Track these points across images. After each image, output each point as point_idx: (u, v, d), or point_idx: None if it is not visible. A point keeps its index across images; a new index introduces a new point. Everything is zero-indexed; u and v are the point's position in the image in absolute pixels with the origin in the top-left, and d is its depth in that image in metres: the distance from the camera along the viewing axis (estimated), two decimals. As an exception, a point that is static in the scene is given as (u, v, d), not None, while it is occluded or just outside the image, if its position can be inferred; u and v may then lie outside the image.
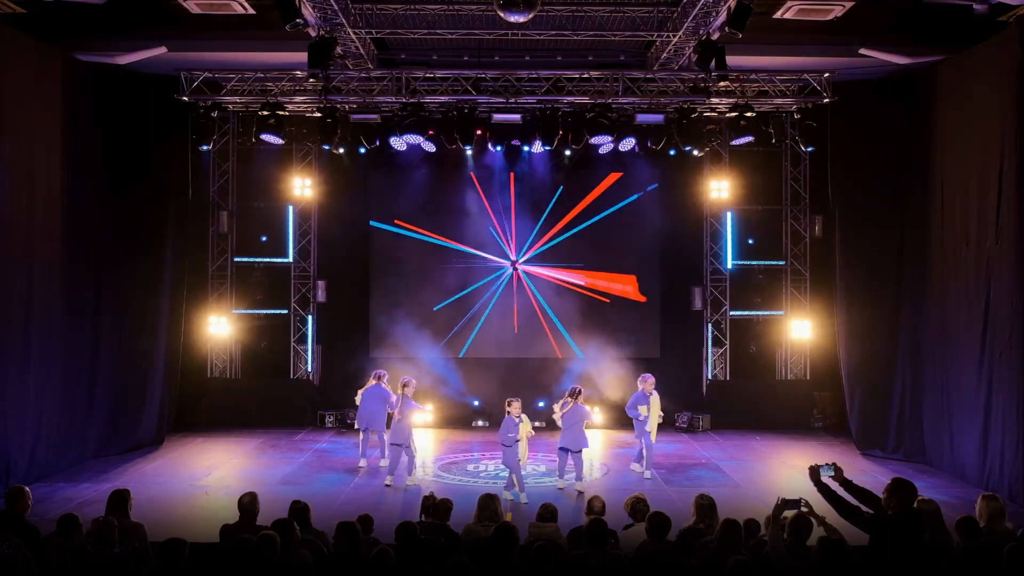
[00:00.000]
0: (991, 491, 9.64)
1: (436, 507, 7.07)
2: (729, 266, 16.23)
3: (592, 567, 5.35)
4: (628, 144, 13.87)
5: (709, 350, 16.21)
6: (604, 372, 16.09)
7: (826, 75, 13.28)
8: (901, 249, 12.88)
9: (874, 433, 13.32)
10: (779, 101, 13.88)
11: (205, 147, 14.58)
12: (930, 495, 6.73)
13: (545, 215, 16.17)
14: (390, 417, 11.82)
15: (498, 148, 14.25)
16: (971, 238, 11.25)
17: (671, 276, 16.31)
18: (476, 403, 15.70)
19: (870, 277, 13.39)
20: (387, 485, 11.17)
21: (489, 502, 6.90)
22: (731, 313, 16.27)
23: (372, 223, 16.18)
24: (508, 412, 10.76)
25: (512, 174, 16.10)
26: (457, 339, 16.15)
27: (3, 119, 10.43)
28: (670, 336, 16.36)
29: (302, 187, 15.95)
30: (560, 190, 16.11)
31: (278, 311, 16.22)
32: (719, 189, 15.93)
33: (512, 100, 13.55)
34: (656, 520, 5.91)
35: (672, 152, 14.35)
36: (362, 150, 14.46)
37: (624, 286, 16.27)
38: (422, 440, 13.60)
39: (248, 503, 6.78)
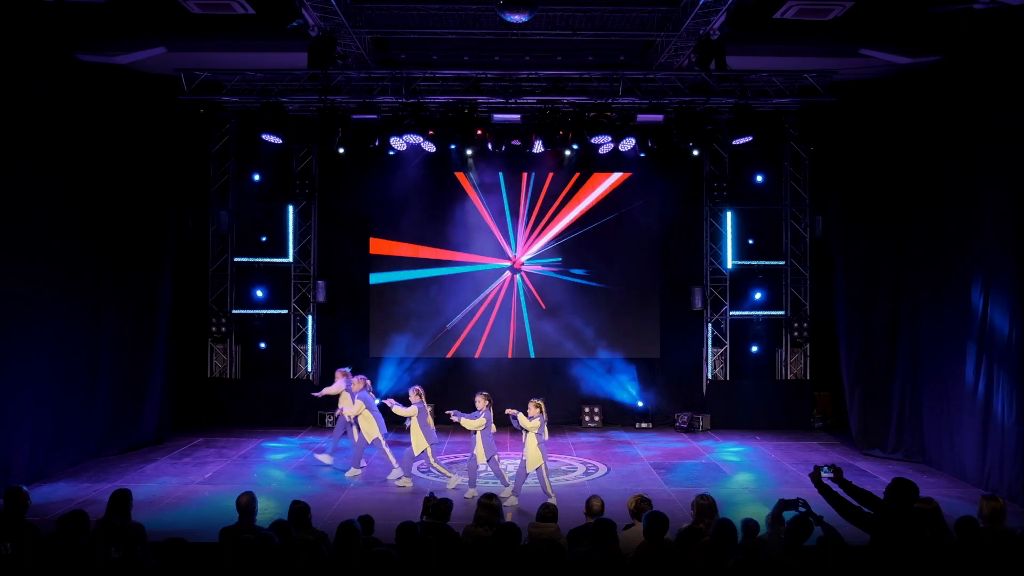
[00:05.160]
0: (991, 491, 9.67)
1: (436, 507, 7.07)
2: (729, 266, 16.22)
3: (592, 567, 5.35)
4: (628, 144, 13.86)
5: (709, 350, 16.21)
6: (604, 372, 16.14)
7: (826, 75, 13.29)
8: (901, 249, 12.88)
9: (874, 433, 13.33)
10: (779, 101, 13.89)
11: (205, 147, 14.61)
12: (930, 495, 6.72)
13: (545, 216, 16.19)
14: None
15: (498, 148, 14.24)
16: (971, 238, 11.26)
17: (671, 276, 16.32)
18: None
19: (870, 277, 13.39)
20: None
21: (489, 502, 6.90)
22: (731, 313, 16.27)
23: (372, 223, 16.19)
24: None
25: (512, 175, 16.13)
26: (457, 339, 16.16)
27: (2, 119, 10.44)
28: (670, 336, 16.37)
29: (302, 187, 15.95)
30: (560, 190, 16.13)
31: (278, 311, 16.22)
32: (719, 189, 15.94)
33: (512, 100, 13.55)
34: (653, 520, 5.89)
35: (672, 152, 14.37)
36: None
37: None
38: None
39: (247, 503, 6.76)
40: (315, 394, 13.02)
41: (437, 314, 16.08)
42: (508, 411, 10.53)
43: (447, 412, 11.00)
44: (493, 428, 10.87)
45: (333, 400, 15.66)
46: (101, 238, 12.52)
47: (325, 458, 12.38)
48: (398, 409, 11.29)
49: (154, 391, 13.76)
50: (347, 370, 12.63)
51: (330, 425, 15.37)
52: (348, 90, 13.66)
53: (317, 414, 15.60)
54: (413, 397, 11.34)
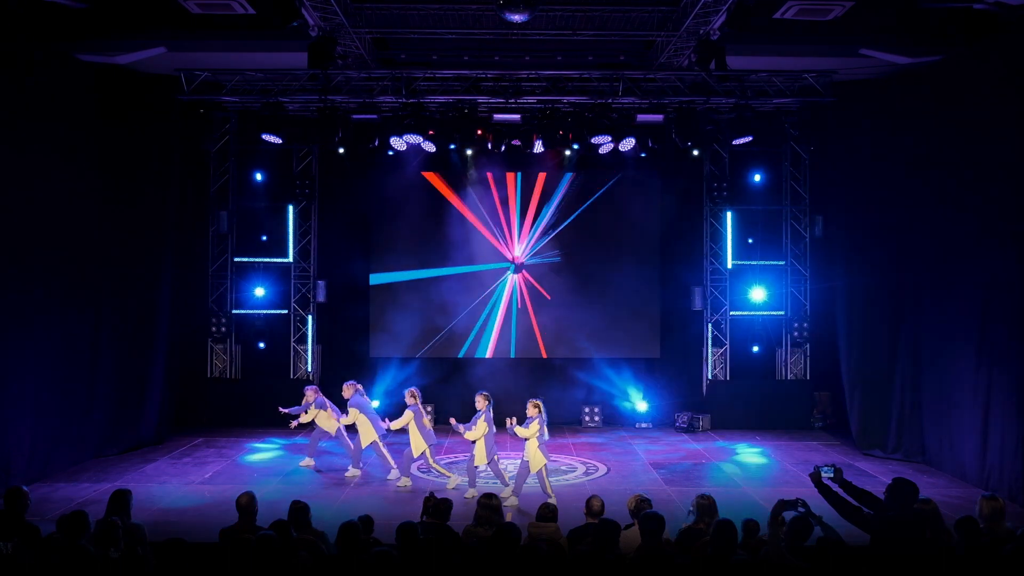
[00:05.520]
0: (991, 491, 9.65)
1: (436, 507, 7.08)
2: (729, 266, 16.22)
3: (591, 567, 5.35)
4: (628, 144, 13.87)
5: (709, 350, 16.20)
6: (604, 372, 16.14)
7: (826, 75, 13.29)
8: (901, 249, 12.88)
9: (874, 433, 13.33)
10: (779, 101, 13.89)
11: (205, 147, 14.58)
12: (930, 495, 6.73)
13: (545, 216, 16.18)
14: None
15: (498, 148, 14.23)
16: (971, 237, 11.25)
17: (671, 276, 16.31)
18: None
19: (870, 277, 13.38)
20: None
21: (489, 502, 6.90)
22: (731, 313, 16.27)
23: (372, 223, 16.19)
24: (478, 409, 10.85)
25: (512, 174, 16.13)
26: (457, 340, 16.16)
27: (2, 119, 10.44)
28: (670, 336, 16.37)
29: (302, 187, 15.95)
30: (560, 190, 16.13)
31: (278, 311, 16.22)
32: (719, 189, 15.94)
33: (512, 100, 13.56)
34: (647, 520, 5.88)
35: (672, 152, 14.37)
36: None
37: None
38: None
39: (247, 503, 6.77)
40: (291, 423, 12.51)
41: (437, 314, 16.05)
42: (508, 421, 10.50)
43: (450, 420, 10.96)
44: (493, 429, 10.86)
45: (333, 400, 15.70)
46: (101, 238, 12.51)
47: (308, 462, 12.34)
48: (394, 424, 11.26)
49: (154, 391, 13.76)
50: (316, 387, 12.65)
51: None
52: (348, 90, 13.66)
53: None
54: (409, 399, 11.32)
